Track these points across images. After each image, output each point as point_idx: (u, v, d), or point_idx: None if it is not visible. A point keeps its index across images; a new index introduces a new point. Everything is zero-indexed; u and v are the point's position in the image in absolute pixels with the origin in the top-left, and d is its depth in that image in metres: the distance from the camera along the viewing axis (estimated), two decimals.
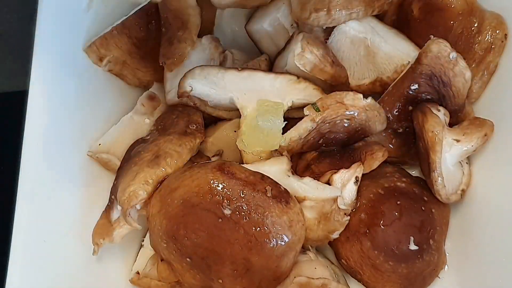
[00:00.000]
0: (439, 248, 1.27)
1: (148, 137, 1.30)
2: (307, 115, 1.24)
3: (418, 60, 1.25)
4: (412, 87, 1.28)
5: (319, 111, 1.22)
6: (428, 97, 1.27)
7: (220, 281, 1.17)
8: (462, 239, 1.30)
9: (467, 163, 1.31)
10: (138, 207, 1.21)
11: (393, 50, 1.32)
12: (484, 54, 1.32)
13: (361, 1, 1.29)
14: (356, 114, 1.23)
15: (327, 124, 1.25)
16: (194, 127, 1.32)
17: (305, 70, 1.29)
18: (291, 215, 1.17)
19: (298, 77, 1.28)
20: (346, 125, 1.25)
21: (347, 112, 1.23)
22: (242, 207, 1.14)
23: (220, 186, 1.15)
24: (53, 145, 1.30)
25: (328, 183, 1.23)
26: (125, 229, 1.24)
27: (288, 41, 1.35)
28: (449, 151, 1.27)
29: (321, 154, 1.29)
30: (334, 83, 1.32)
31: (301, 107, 1.26)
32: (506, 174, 1.25)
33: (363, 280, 1.28)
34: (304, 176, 1.25)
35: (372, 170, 1.27)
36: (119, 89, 1.46)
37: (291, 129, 1.25)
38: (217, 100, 1.31)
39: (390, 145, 1.33)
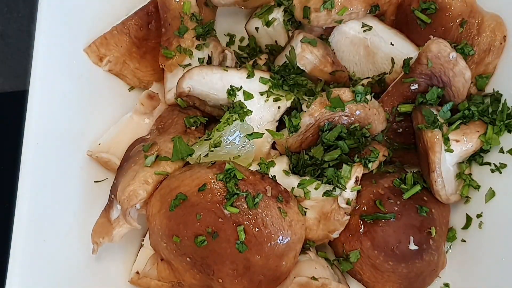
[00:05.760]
0: (439, 248, 1.27)
1: (148, 137, 1.30)
2: (305, 111, 1.24)
3: (418, 60, 1.26)
4: (412, 87, 1.28)
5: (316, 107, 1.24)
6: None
7: (220, 280, 1.17)
8: (462, 239, 1.31)
9: (467, 163, 1.31)
10: (138, 206, 1.21)
11: (393, 50, 1.32)
12: (483, 55, 1.33)
13: (361, 1, 1.30)
14: (354, 111, 1.25)
15: (326, 121, 1.25)
16: (194, 127, 1.32)
17: (305, 70, 1.30)
18: (291, 215, 1.17)
19: None
20: (345, 122, 1.26)
21: (346, 109, 1.24)
22: (242, 207, 1.14)
23: (220, 186, 1.15)
24: (53, 145, 1.30)
25: None
26: (125, 228, 1.24)
27: (288, 41, 1.36)
28: None
29: None
30: (334, 83, 1.32)
31: None
32: (507, 174, 1.26)
33: (363, 280, 1.28)
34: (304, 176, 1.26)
35: (371, 170, 1.28)
36: (119, 89, 1.46)
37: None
38: (216, 100, 1.31)
39: (390, 145, 1.33)
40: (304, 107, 1.25)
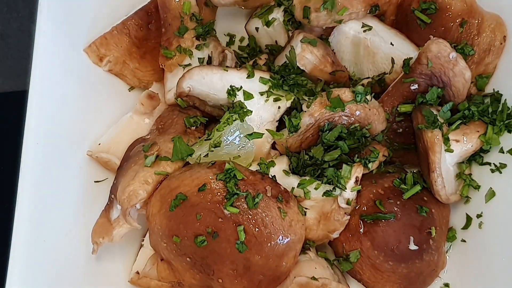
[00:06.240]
0: (439, 248, 1.27)
1: (148, 137, 1.30)
2: (305, 111, 1.24)
3: (418, 60, 1.26)
4: (412, 87, 1.28)
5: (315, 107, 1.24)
6: None
7: (220, 280, 1.17)
8: (462, 239, 1.31)
9: (467, 163, 1.31)
10: (138, 206, 1.21)
11: (393, 50, 1.32)
12: (483, 55, 1.33)
13: (361, 1, 1.30)
14: (354, 111, 1.25)
15: (326, 121, 1.25)
16: (194, 127, 1.32)
17: (305, 70, 1.30)
18: (291, 215, 1.17)
19: None
20: (345, 122, 1.26)
21: (346, 109, 1.24)
22: (242, 207, 1.14)
23: (220, 186, 1.15)
24: (53, 145, 1.31)
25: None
26: (125, 228, 1.24)
27: (288, 41, 1.36)
28: None
29: None
30: (334, 83, 1.32)
31: None
32: (507, 174, 1.26)
33: (363, 280, 1.28)
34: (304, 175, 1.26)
35: (371, 170, 1.28)
36: (119, 89, 1.46)
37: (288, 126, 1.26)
38: (216, 100, 1.31)
39: (390, 145, 1.33)
40: (304, 107, 1.25)
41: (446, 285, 1.30)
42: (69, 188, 1.32)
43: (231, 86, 1.28)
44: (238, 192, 1.14)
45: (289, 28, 1.39)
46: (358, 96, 1.23)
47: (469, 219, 1.30)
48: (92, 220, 1.27)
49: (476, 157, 1.31)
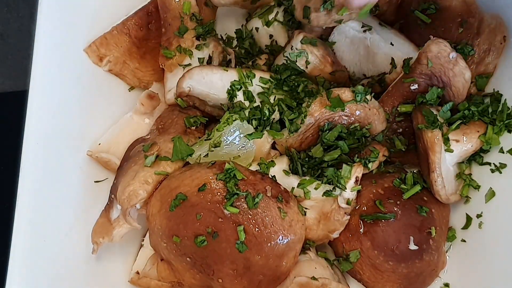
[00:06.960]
0: (439, 248, 1.27)
1: (148, 137, 1.31)
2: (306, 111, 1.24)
3: (418, 60, 1.26)
4: (412, 87, 1.28)
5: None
6: None
7: (220, 280, 1.17)
8: (462, 239, 1.31)
9: (467, 163, 1.31)
10: (138, 206, 1.21)
11: (393, 50, 1.32)
12: (483, 55, 1.33)
13: None
14: (354, 111, 1.25)
15: (326, 121, 1.25)
16: (194, 127, 1.32)
17: (305, 70, 1.30)
18: (291, 215, 1.17)
19: None
20: (344, 122, 1.26)
21: (346, 109, 1.24)
22: (242, 207, 1.14)
23: (220, 185, 1.15)
24: (53, 145, 1.30)
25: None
26: (125, 228, 1.24)
27: (288, 41, 1.36)
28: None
29: None
30: (334, 83, 1.32)
31: None
32: (507, 174, 1.26)
33: (363, 280, 1.28)
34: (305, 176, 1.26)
35: (371, 170, 1.28)
36: (119, 89, 1.46)
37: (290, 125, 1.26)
38: (216, 100, 1.31)
39: (390, 145, 1.33)
40: (303, 109, 1.25)
41: (446, 285, 1.30)
42: (69, 188, 1.32)
43: (231, 86, 1.28)
44: (238, 192, 1.14)
45: (289, 28, 1.39)
46: (358, 96, 1.24)
47: (469, 219, 1.30)
48: (92, 220, 1.27)
49: (476, 157, 1.31)
